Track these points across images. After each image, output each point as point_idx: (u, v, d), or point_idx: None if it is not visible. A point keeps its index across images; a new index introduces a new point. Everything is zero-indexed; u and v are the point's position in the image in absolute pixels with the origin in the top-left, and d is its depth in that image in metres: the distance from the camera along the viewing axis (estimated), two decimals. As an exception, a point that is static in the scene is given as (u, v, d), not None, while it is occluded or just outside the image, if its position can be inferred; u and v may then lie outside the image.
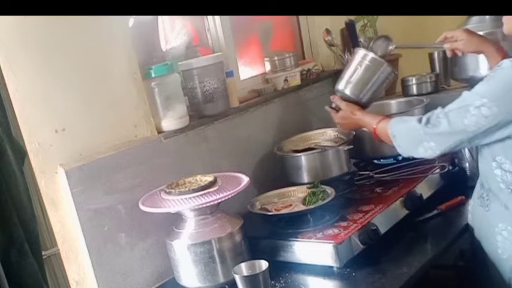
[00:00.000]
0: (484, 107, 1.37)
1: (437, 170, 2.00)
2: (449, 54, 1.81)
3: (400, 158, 2.14)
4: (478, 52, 1.78)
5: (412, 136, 1.54)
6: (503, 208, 1.53)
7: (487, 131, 1.40)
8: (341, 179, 2.02)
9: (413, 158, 1.91)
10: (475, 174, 1.71)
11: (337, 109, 1.84)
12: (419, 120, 1.52)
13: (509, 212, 1.51)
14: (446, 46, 1.79)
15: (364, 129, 1.84)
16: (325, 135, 2.19)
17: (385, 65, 1.80)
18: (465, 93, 1.44)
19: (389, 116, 1.73)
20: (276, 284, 1.59)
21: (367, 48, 1.94)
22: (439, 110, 1.49)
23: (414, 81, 2.39)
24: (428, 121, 1.49)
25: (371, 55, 1.79)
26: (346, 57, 2.47)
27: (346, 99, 1.82)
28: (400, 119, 1.63)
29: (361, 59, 1.81)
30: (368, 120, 1.73)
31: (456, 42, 1.76)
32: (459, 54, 1.79)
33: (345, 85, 1.83)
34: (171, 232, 1.65)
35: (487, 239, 1.61)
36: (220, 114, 2.01)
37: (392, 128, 1.61)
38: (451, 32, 1.78)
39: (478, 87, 1.42)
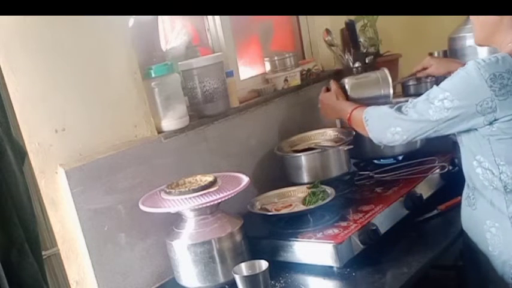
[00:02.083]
0: (446, 100, 1.49)
1: (437, 170, 2.00)
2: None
3: (400, 158, 2.15)
4: (449, 73, 1.94)
5: (382, 120, 1.66)
6: (489, 205, 1.56)
7: (449, 121, 1.51)
8: (341, 179, 2.02)
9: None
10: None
11: (329, 89, 1.97)
12: (391, 107, 1.65)
13: (495, 208, 1.55)
14: (420, 75, 2.04)
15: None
16: (325, 135, 2.19)
17: (390, 88, 1.94)
18: (433, 88, 1.55)
19: (365, 105, 1.81)
20: (276, 284, 1.59)
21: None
22: (409, 100, 1.61)
23: (414, 81, 2.39)
24: (398, 109, 1.62)
25: (389, 77, 1.95)
26: (346, 57, 2.47)
27: (342, 89, 1.95)
28: (375, 107, 1.74)
29: (379, 76, 1.96)
30: (345, 106, 1.86)
31: (427, 69, 1.98)
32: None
33: (350, 79, 1.97)
34: (171, 232, 1.65)
35: (477, 237, 1.63)
36: (220, 114, 2.01)
37: (367, 113, 1.72)
38: (420, 64, 2.00)
39: (444, 83, 1.54)
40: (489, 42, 1.61)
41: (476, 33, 1.63)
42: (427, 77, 2.13)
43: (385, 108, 1.66)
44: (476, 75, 1.44)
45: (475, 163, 1.57)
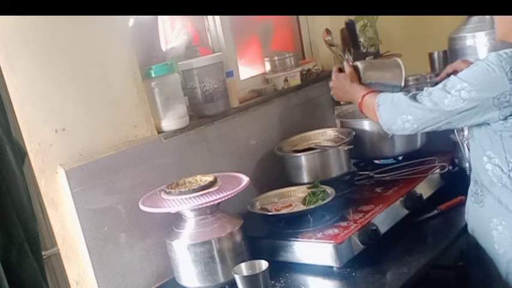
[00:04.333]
0: (463, 91, 1.46)
1: (437, 170, 2.00)
2: None
3: (400, 158, 2.15)
4: None
5: (395, 106, 1.62)
6: (497, 202, 1.56)
7: (463, 113, 1.48)
8: (341, 179, 2.02)
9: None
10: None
11: (341, 70, 1.92)
12: (406, 94, 1.62)
13: (503, 206, 1.54)
14: None
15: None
16: (325, 135, 2.19)
17: (402, 76, 1.89)
18: (451, 77, 1.52)
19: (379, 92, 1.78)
20: (276, 284, 1.59)
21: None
22: (425, 89, 1.58)
23: (414, 81, 2.39)
24: (413, 96, 1.59)
25: (402, 67, 1.90)
26: (346, 57, 2.47)
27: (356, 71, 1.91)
28: (389, 93, 1.70)
29: (391, 60, 1.95)
30: (358, 90, 1.80)
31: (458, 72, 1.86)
32: None
33: (364, 61, 1.95)
34: (171, 232, 1.65)
35: (483, 235, 1.62)
36: (220, 114, 2.01)
37: (380, 97, 1.68)
38: (451, 66, 1.90)
39: (463, 73, 1.50)
40: (510, 37, 1.56)
41: (497, 29, 1.60)
42: (440, 69, 2.08)
43: (399, 95, 1.63)
44: (497, 67, 1.42)
45: (485, 159, 1.55)
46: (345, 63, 1.94)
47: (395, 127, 1.63)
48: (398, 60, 1.94)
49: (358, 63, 1.92)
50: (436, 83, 2.02)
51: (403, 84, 1.88)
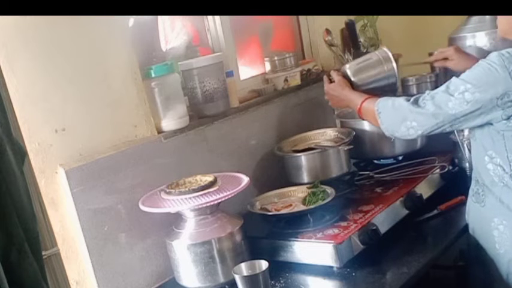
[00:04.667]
0: (467, 93, 1.45)
1: (437, 170, 2.00)
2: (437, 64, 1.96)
3: (400, 158, 2.15)
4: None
5: (397, 113, 1.61)
6: (498, 202, 1.55)
7: (468, 115, 1.47)
8: (341, 179, 2.01)
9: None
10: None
11: (332, 80, 1.91)
12: (407, 100, 1.59)
13: (504, 206, 1.54)
14: (437, 65, 1.94)
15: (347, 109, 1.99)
16: (325, 135, 2.19)
17: (393, 65, 1.85)
18: (453, 79, 1.51)
19: (376, 95, 1.75)
20: (276, 284, 1.59)
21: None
22: (426, 92, 1.57)
23: (414, 81, 2.38)
24: (415, 101, 1.57)
25: (390, 56, 1.86)
26: (346, 57, 2.47)
27: (344, 77, 1.89)
28: (388, 98, 1.68)
29: (379, 55, 1.88)
30: (354, 97, 1.79)
31: (447, 61, 1.88)
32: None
33: (351, 65, 1.91)
34: (171, 232, 1.65)
35: (483, 235, 1.62)
36: (220, 114, 2.01)
37: (379, 104, 1.66)
38: (443, 50, 1.89)
39: (465, 74, 1.49)
40: (510, 35, 1.56)
41: (499, 26, 1.59)
42: (440, 69, 2.05)
43: (400, 101, 1.61)
44: (499, 67, 1.41)
45: (487, 158, 1.55)
46: (331, 72, 1.92)
47: (399, 133, 1.62)
48: (384, 49, 1.90)
49: (347, 69, 1.90)
50: (432, 68, 1.97)
51: (397, 74, 1.85)
